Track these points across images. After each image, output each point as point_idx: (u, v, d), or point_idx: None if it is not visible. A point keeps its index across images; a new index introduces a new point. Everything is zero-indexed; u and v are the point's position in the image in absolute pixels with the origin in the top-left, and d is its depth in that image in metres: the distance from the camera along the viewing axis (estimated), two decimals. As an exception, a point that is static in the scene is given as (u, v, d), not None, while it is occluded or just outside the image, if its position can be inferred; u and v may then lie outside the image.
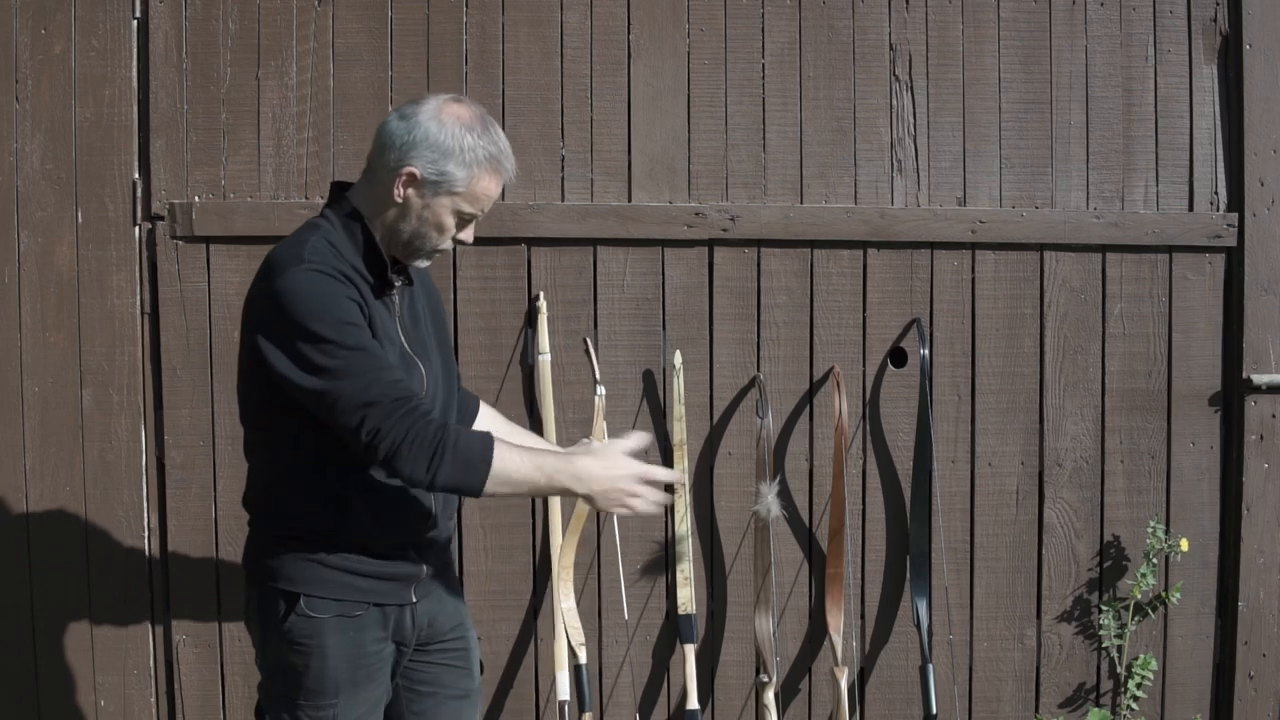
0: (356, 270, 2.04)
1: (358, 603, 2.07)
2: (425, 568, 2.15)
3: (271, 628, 2.09)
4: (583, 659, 2.91)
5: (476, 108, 2.07)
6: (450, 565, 2.31)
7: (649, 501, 2.04)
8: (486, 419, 2.42)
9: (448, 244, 2.08)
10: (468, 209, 2.05)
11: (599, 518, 3.05)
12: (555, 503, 2.99)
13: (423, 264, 2.13)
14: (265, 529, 2.11)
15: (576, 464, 2.03)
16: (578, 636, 2.91)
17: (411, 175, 2.02)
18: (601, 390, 2.94)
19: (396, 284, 2.10)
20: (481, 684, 2.34)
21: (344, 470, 2.04)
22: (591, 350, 2.98)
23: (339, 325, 1.93)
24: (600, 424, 2.89)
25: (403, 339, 2.11)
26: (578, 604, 2.96)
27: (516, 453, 2.01)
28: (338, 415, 1.93)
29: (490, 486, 1.97)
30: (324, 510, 2.04)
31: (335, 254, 2.02)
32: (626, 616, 3.05)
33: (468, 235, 2.10)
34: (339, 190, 2.13)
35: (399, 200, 2.04)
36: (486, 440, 1.99)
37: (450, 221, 2.05)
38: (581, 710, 2.90)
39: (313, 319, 1.93)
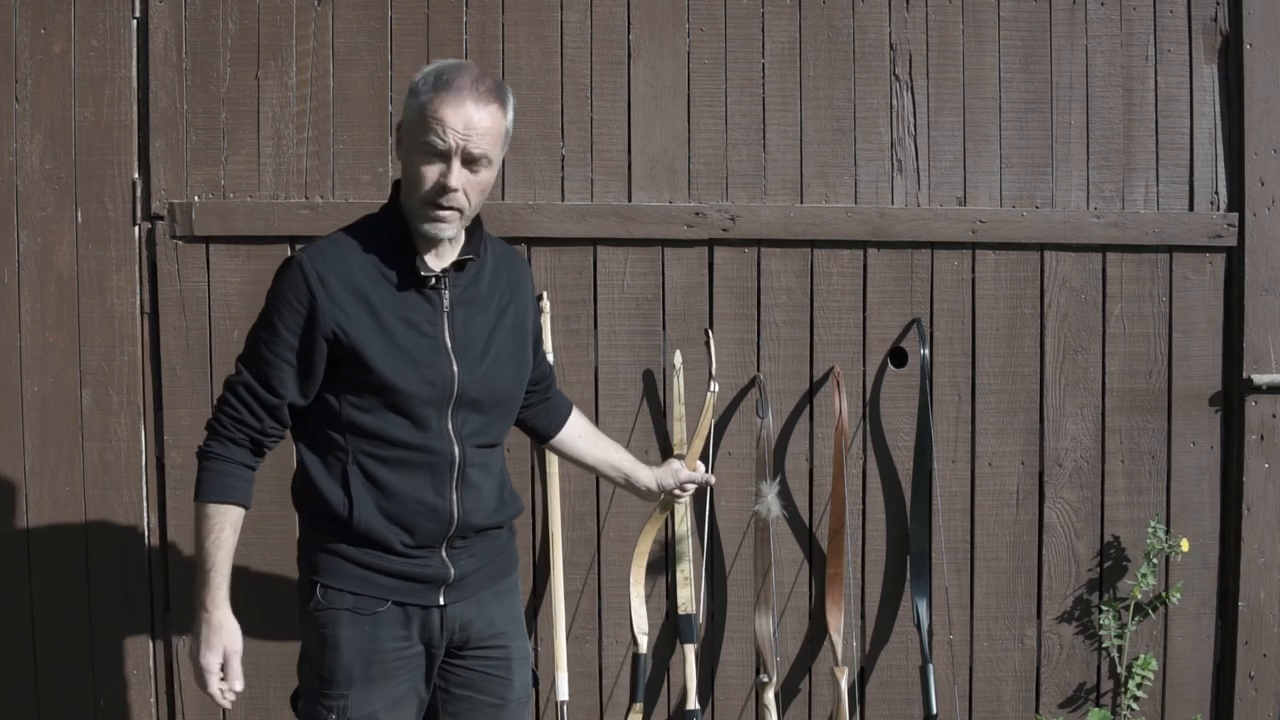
0: (373, 267, 2.05)
1: (375, 598, 2.08)
2: (453, 571, 2.12)
3: (302, 613, 2.15)
4: (643, 649, 2.91)
5: (461, 62, 2.07)
6: (500, 572, 2.24)
7: (205, 686, 2.08)
8: (575, 425, 2.49)
9: (425, 189, 2.01)
10: (423, 136, 1.99)
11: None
12: (555, 503, 2.99)
13: (432, 228, 2.04)
14: (300, 518, 2.17)
15: (217, 602, 2.05)
16: (641, 625, 2.91)
17: (399, 127, 2.08)
18: (715, 387, 2.86)
19: (432, 279, 2.07)
20: (527, 696, 2.28)
21: (354, 469, 2.06)
22: (711, 343, 2.93)
23: (269, 323, 2.05)
24: (708, 420, 2.82)
25: (446, 333, 2.08)
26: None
27: (209, 530, 2.05)
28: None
29: (197, 506, 2.07)
30: (334, 506, 2.07)
31: (358, 249, 2.06)
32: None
33: (453, 178, 2.00)
34: (397, 185, 2.15)
35: (400, 159, 2.08)
36: (219, 495, 2.05)
37: (417, 158, 2.01)
38: (634, 699, 2.90)
39: (267, 307, 2.07)
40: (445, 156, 1.99)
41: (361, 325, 2.02)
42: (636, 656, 2.91)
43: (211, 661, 2.04)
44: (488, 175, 2.05)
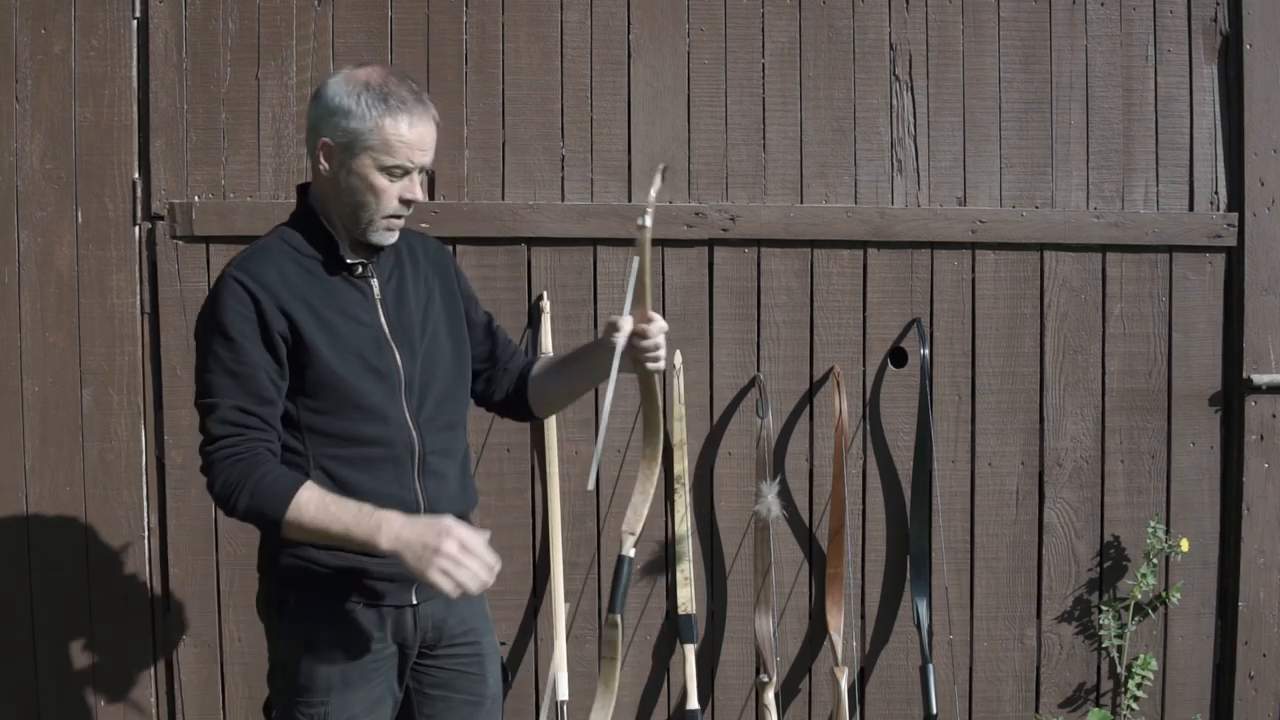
0: (301, 268, 2.04)
1: (349, 601, 2.06)
2: None
3: (271, 622, 2.12)
4: (628, 550, 2.72)
5: (380, 68, 2.05)
6: None
7: (471, 574, 1.86)
8: (535, 372, 2.33)
9: (393, 205, 2.03)
10: (389, 160, 1.99)
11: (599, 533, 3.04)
12: (555, 503, 2.99)
13: (385, 237, 2.06)
14: (262, 531, 2.11)
15: (386, 517, 1.91)
16: (632, 525, 2.67)
17: (326, 145, 2.02)
18: (648, 220, 2.04)
19: (359, 270, 2.07)
20: (501, 691, 2.27)
21: (316, 473, 2.02)
22: (659, 178, 2.15)
23: (226, 339, 1.97)
24: (645, 258, 2.07)
25: (383, 322, 2.08)
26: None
27: (321, 504, 1.92)
28: (199, 414, 2.00)
29: (288, 531, 1.94)
30: None
31: (283, 254, 2.05)
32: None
33: (414, 192, 2.03)
34: (302, 190, 2.15)
35: (328, 176, 2.04)
36: (291, 487, 1.93)
37: (380, 180, 2.00)
38: (612, 609, 2.77)
39: (208, 329, 1.99)
40: (407, 173, 2.02)
41: (307, 321, 2.01)
42: (621, 559, 2.75)
43: (452, 538, 1.85)
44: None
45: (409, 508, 2.06)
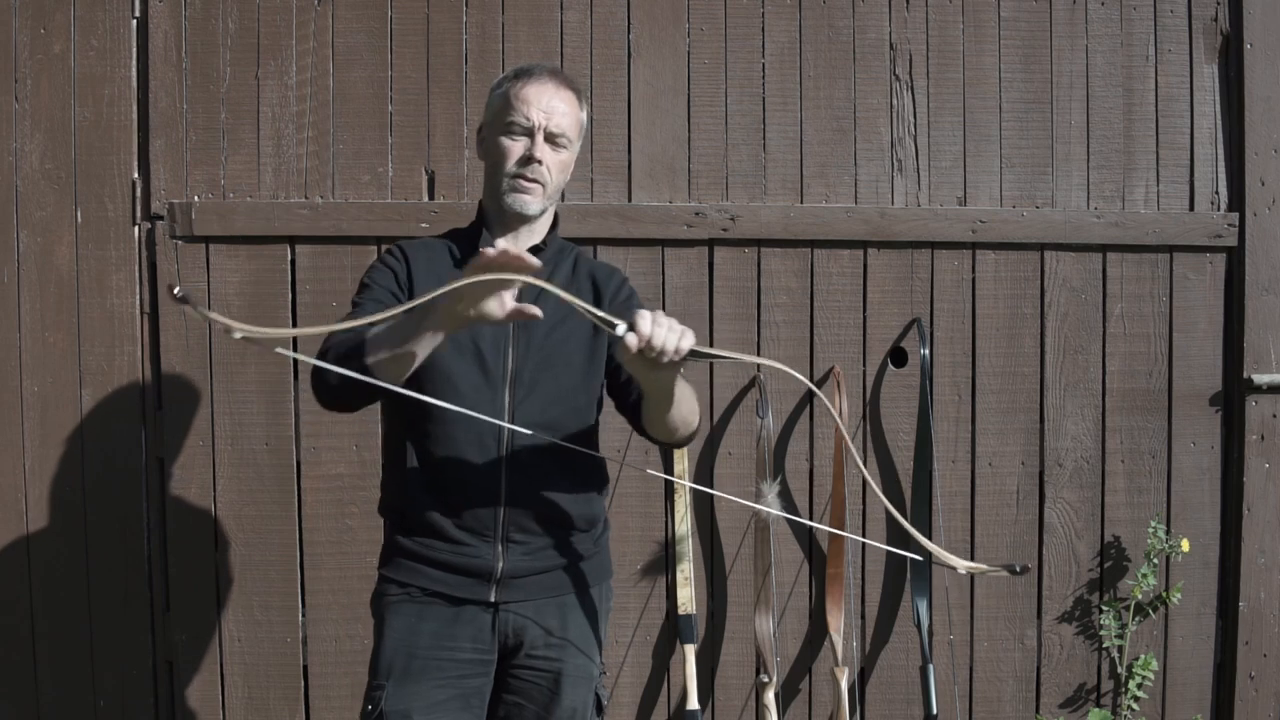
0: (449, 255, 2.16)
1: (422, 589, 2.09)
2: (501, 565, 2.08)
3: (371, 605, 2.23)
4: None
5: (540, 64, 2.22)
6: (571, 584, 2.17)
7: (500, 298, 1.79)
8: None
9: (511, 163, 2.10)
10: (507, 117, 2.11)
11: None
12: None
13: (515, 201, 2.10)
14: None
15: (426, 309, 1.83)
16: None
17: (479, 131, 2.21)
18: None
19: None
20: (582, 718, 2.17)
21: (410, 446, 2.06)
22: None
23: (362, 286, 2.15)
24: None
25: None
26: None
27: (379, 331, 1.89)
28: None
29: (371, 358, 1.88)
30: (395, 485, 2.13)
31: (438, 244, 2.20)
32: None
33: (538, 150, 2.09)
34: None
35: (482, 160, 2.19)
36: (361, 331, 1.91)
37: (504, 140, 2.12)
38: None
39: (360, 283, 2.19)
40: (529, 133, 2.11)
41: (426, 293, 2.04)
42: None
43: (473, 269, 1.73)
44: (567, 156, 2.16)
45: (490, 494, 2.08)
